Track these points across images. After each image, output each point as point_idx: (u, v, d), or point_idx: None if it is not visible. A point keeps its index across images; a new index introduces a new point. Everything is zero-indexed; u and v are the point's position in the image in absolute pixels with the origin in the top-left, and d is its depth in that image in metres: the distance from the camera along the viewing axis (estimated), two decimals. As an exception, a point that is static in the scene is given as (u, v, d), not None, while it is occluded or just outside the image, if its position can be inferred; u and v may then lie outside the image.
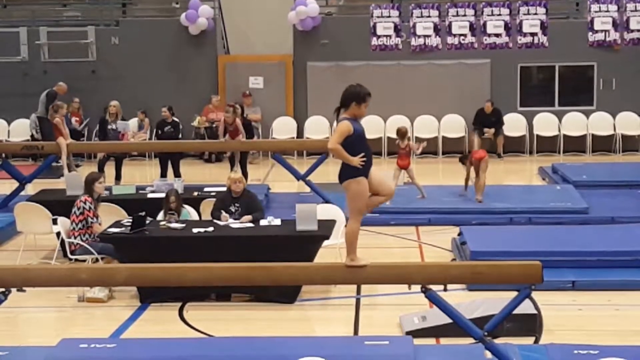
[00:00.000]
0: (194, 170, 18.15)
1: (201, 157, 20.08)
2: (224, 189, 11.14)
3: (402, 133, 14.13)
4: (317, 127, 20.41)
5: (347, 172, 6.98)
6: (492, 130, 19.35)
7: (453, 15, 20.05)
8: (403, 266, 7.31)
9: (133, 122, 17.79)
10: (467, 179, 14.01)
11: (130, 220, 10.22)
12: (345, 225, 7.86)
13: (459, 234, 11.64)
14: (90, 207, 10.52)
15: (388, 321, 9.03)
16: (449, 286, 7.50)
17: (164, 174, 15.45)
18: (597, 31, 19.97)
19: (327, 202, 13.01)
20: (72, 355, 7.70)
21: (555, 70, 20.48)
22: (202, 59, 20.80)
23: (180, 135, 16.52)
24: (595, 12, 19.99)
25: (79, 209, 10.53)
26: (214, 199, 11.10)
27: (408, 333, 8.41)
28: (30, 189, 14.83)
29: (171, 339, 8.40)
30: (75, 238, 10.47)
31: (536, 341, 8.10)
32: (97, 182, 10.73)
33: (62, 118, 15.20)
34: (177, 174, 15.27)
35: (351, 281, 8.29)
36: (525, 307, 7.77)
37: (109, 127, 15.72)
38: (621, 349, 7.67)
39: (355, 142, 6.94)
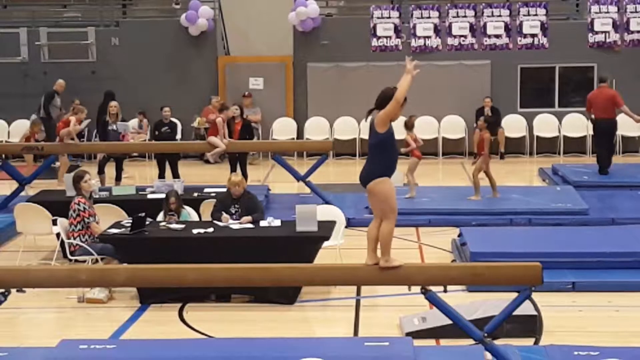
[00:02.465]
0: (194, 171, 18.14)
1: (201, 158, 20.06)
2: (224, 190, 11.14)
3: (412, 123, 14.13)
4: (317, 128, 20.40)
5: (372, 173, 6.96)
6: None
7: (453, 16, 20.02)
8: (403, 267, 7.29)
9: (133, 123, 17.77)
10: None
11: (130, 221, 10.22)
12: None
13: (459, 235, 11.64)
14: (84, 208, 10.49)
15: (388, 322, 9.03)
16: (449, 287, 7.49)
17: (162, 175, 15.43)
18: (597, 32, 19.94)
19: (327, 203, 13.01)
20: (71, 356, 7.70)
21: (555, 71, 20.48)
22: (202, 60, 20.79)
23: (178, 136, 16.46)
24: (596, 13, 19.96)
25: (74, 211, 10.50)
26: (214, 200, 11.10)
27: (408, 334, 8.40)
28: (30, 189, 14.84)
29: (171, 340, 8.41)
30: (74, 239, 10.45)
31: (536, 342, 8.11)
32: (83, 180, 10.66)
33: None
34: (175, 175, 15.26)
35: (351, 282, 8.30)
36: (525, 309, 7.78)
37: (109, 128, 15.70)
38: (621, 350, 7.68)
39: (389, 141, 6.96)
